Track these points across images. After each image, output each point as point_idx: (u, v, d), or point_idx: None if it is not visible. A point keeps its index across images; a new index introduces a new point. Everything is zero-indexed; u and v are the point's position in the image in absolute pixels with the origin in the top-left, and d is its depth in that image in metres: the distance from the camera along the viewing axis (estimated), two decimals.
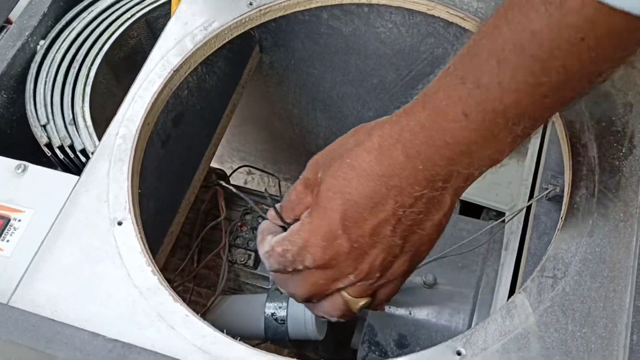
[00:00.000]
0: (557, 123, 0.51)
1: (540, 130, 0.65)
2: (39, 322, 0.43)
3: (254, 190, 0.78)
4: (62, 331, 0.42)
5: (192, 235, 0.70)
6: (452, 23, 0.59)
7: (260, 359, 0.42)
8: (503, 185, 0.75)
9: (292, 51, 0.71)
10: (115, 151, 0.51)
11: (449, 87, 0.37)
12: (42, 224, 0.49)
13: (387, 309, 0.64)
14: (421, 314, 0.63)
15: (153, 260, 0.46)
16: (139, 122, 0.52)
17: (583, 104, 0.50)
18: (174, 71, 0.55)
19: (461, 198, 0.74)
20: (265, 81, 0.76)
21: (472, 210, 0.79)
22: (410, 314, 0.64)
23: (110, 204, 0.48)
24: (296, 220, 0.43)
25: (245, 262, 0.71)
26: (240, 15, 0.57)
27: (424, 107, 0.38)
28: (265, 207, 0.59)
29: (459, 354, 0.41)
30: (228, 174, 0.80)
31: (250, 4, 0.57)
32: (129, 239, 0.47)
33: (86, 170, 0.50)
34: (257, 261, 0.69)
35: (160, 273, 0.45)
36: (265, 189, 0.56)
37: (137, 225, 0.47)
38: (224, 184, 0.63)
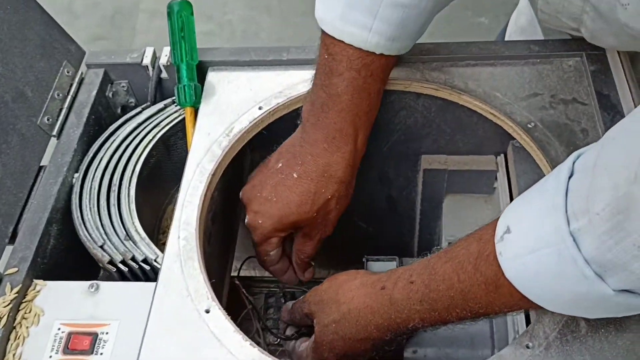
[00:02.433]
0: (534, 155, 0.63)
1: (504, 168, 0.79)
2: None
3: (263, 277, 0.85)
4: None
5: None
6: (420, 95, 0.71)
7: None
8: (480, 224, 0.86)
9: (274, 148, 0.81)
10: (182, 251, 0.57)
11: (410, 294, 0.52)
12: (131, 330, 0.53)
13: (419, 350, 0.72)
14: (450, 348, 0.72)
15: (247, 337, 0.52)
16: (195, 223, 0.59)
17: (550, 135, 0.62)
18: (211, 175, 0.62)
19: (449, 240, 0.86)
20: None
21: None
22: (439, 349, 0.72)
23: (193, 297, 0.54)
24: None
25: (279, 342, 0.76)
26: (254, 119, 0.66)
27: (390, 302, 0.53)
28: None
29: (528, 347, 0.50)
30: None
31: (260, 108, 0.67)
32: (221, 323, 0.53)
33: (161, 273, 0.56)
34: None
35: (258, 345, 0.51)
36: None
37: (223, 310, 0.53)
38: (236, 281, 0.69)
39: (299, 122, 0.64)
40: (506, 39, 0.95)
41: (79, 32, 2.00)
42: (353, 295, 0.55)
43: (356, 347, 0.56)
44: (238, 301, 0.77)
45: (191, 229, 0.58)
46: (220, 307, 0.54)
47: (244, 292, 0.76)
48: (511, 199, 0.76)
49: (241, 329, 0.76)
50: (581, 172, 0.42)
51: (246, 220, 0.63)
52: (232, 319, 0.75)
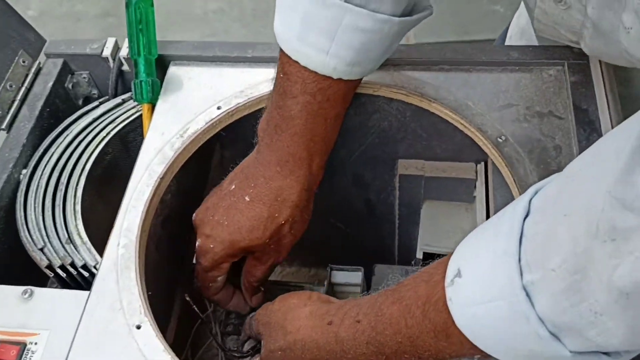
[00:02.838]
0: (502, 171, 0.59)
1: (483, 177, 0.75)
2: None
3: None
4: None
5: (181, 333, 0.73)
6: (393, 99, 0.67)
7: None
8: (458, 233, 0.82)
9: (249, 145, 0.78)
10: (120, 260, 0.54)
11: (356, 334, 0.48)
12: (60, 342, 0.51)
13: None
14: None
15: (177, 357, 0.49)
16: (136, 230, 0.56)
17: (521, 150, 0.58)
18: (160, 179, 0.59)
19: (423, 250, 0.82)
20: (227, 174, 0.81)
21: (434, 259, 0.85)
22: None
23: (125, 311, 0.52)
24: None
25: (238, 348, 0.74)
26: (211, 120, 0.63)
27: (336, 340, 0.49)
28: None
29: None
30: None
31: (219, 107, 0.64)
32: (150, 340, 0.50)
33: (95, 283, 0.53)
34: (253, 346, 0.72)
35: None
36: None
37: (155, 326, 0.51)
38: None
39: (254, 141, 0.60)
40: (507, 41, 0.90)
41: (89, 7, 2.00)
42: (300, 326, 0.52)
43: None
44: (201, 301, 0.75)
45: (132, 237, 0.56)
46: (154, 322, 0.51)
47: (196, 308, 0.71)
48: (487, 212, 0.72)
49: (200, 333, 0.74)
50: (538, 213, 0.38)
51: (197, 244, 0.60)
52: (193, 319, 0.73)
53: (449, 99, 0.62)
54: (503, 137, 0.59)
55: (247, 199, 0.57)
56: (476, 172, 0.75)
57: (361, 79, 0.57)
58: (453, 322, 0.41)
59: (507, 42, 0.82)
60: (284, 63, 0.53)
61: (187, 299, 0.59)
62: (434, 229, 0.81)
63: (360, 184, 0.83)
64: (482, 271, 0.39)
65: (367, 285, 0.75)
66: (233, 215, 0.57)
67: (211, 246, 0.58)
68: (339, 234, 0.93)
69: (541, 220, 0.37)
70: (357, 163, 0.79)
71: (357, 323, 0.47)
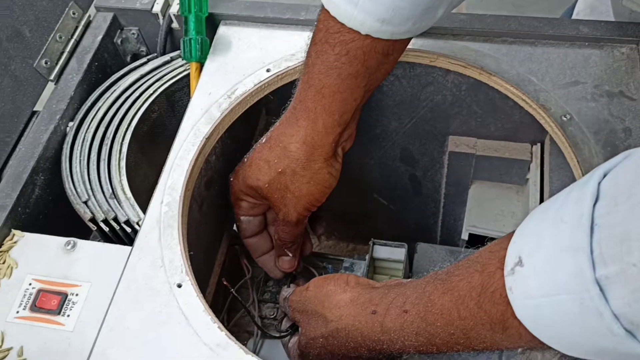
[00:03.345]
0: (565, 151, 0.56)
1: (538, 160, 0.71)
2: None
3: None
4: None
5: (219, 297, 0.72)
6: (450, 71, 0.64)
7: None
8: (507, 216, 0.79)
9: None
10: (163, 218, 0.53)
11: (404, 325, 0.46)
12: (101, 295, 0.50)
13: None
14: None
15: (217, 318, 0.48)
16: (180, 189, 0.55)
17: (586, 131, 0.55)
18: (206, 139, 0.58)
19: (469, 231, 0.79)
20: None
21: (479, 241, 0.83)
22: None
23: (167, 269, 0.51)
24: None
25: (275, 316, 0.73)
26: (260, 82, 0.61)
27: (382, 330, 0.47)
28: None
29: None
30: None
31: (268, 70, 0.62)
32: (191, 300, 0.49)
33: (138, 239, 0.52)
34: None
35: (226, 329, 0.48)
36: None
37: (196, 286, 0.50)
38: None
39: None
40: (574, 17, 0.85)
41: None
42: (341, 314, 0.50)
43: None
44: (239, 266, 0.74)
45: (176, 195, 0.54)
46: (194, 282, 0.50)
47: (233, 292, 0.69)
48: (541, 196, 0.69)
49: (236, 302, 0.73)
50: (610, 200, 0.34)
51: None
52: (231, 285, 0.72)
53: (511, 73, 0.59)
54: (568, 116, 0.56)
55: (263, 140, 0.58)
56: (531, 154, 0.72)
57: (397, 48, 0.54)
58: (512, 313, 0.38)
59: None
60: (321, 12, 0.52)
61: (225, 283, 0.58)
62: (481, 210, 0.78)
63: (407, 159, 0.81)
64: (547, 261, 0.36)
65: (409, 263, 0.73)
66: (251, 156, 0.59)
67: (231, 179, 0.61)
68: (381, 209, 0.91)
69: (615, 207, 0.33)
70: (406, 137, 0.77)
71: (405, 313, 0.45)
